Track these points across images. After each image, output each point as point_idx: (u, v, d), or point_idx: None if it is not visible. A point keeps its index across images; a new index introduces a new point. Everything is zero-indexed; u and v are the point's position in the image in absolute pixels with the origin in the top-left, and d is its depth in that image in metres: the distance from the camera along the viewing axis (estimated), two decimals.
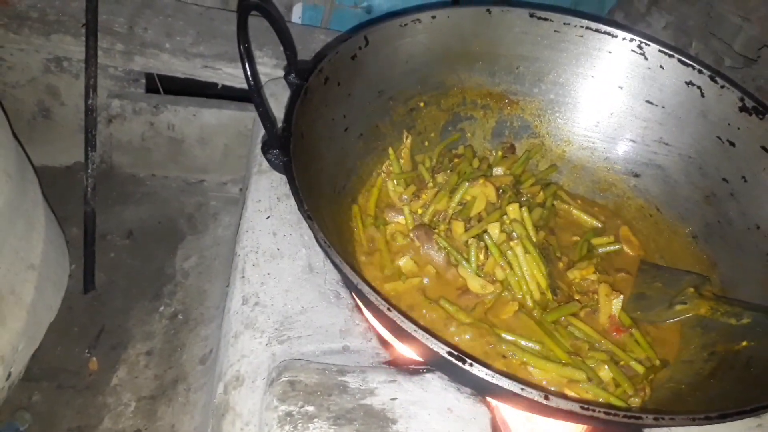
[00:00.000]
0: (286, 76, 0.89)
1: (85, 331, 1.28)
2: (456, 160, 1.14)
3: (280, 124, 0.95)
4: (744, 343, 0.86)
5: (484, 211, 1.02)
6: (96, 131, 1.30)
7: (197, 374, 1.21)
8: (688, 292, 0.96)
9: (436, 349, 0.65)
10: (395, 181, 1.08)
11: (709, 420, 0.64)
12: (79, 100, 1.30)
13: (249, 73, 0.74)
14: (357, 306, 0.93)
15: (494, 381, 0.63)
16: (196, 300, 1.35)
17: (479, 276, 0.95)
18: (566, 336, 0.90)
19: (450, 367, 0.69)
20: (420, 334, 0.66)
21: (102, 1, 1.31)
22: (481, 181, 1.02)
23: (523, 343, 0.87)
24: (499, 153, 1.18)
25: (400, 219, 1.03)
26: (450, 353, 0.64)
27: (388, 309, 0.68)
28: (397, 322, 0.67)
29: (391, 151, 1.10)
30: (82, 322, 1.29)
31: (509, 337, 0.87)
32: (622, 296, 0.96)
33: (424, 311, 0.93)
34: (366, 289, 0.69)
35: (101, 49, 1.37)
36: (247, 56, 0.73)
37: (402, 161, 1.11)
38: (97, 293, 1.34)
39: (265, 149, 0.79)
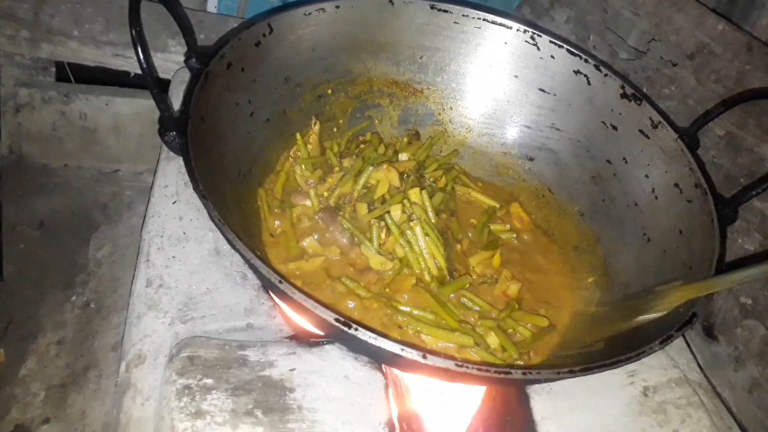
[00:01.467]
0: (186, 61, 0.91)
1: None
2: (362, 146, 1.18)
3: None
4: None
5: (388, 194, 1.06)
6: (1, 120, 1.27)
7: (109, 360, 1.21)
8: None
9: (324, 317, 0.69)
10: (302, 165, 1.11)
11: (573, 373, 0.71)
12: None
13: (141, 56, 0.76)
14: (263, 286, 0.96)
15: (378, 344, 0.67)
16: (109, 288, 1.34)
17: (380, 254, 0.99)
18: (459, 307, 0.96)
19: (342, 335, 0.73)
20: (310, 303, 0.70)
21: None
22: (385, 166, 1.07)
23: (416, 313, 0.92)
24: (405, 139, 1.23)
25: (307, 202, 1.07)
26: (337, 319, 0.68)
27: (280, 281, 0.71)
28: (288, 293, 0.70)
29: (298, 136, 1.13)
30: None
31: (404, 309, 0.92)
32: (520, 284, 1.03)
33: (327, 290, 0.97)
34: (258, 263, 0.72)
35: (5, 36, 1.34)
36: (138, 40, 0.75)
37: (310, 147, 1.14)
38: (5, 285, 1.32)
39: (162, 131, 0.80)
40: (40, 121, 1.50)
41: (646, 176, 1.06)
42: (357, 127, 1.23)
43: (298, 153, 1.13)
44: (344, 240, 1.03)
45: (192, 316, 0.89)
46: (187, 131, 0.81)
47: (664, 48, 1.33)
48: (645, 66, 1.43)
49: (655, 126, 1.06)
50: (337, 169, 1.12)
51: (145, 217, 1.04)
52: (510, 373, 0.68)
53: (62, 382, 1.18)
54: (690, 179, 0.98)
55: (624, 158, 1.10)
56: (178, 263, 0.95)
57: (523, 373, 0.68)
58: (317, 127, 1.15)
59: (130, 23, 0.74)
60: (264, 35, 1.03)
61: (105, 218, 1.50)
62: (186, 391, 0.75)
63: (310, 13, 1.09)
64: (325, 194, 1.07)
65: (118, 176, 1.59)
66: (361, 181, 1.06)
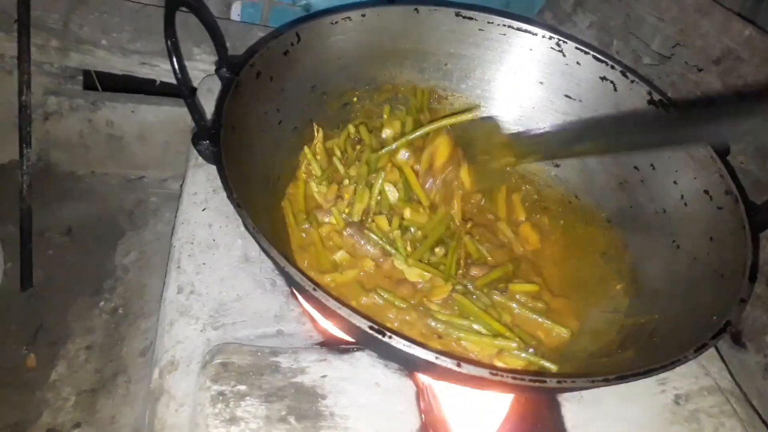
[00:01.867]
0: (217, 71, 0.92)
1: (22, 328, 1.27)
2: (359, 147, 1.16)
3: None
4: (647, 317, 0.93)
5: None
6: (30, 128, 1.29)
7: (137, 366, 1.22)
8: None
9: (358, 324, 0.69)
10: (317, 182, 1.10)
11: (607, 381, 0.71)
12: (14, 97, 1.29)
13: (176, 67, 0.77)
14: (292, 292, 0.96)
15: (411, 351, 0.67)
16: (136, 294, 1.36)
17: (415, 265, 0.99)
18: (501, 309, 0.96)
19: (374, 342, 0.73)
20: (344, 311, 0.70)
21: None
22: (388, 168, 1.07)
23: (455, 321, 0.92)
24: (385, 114, 1.22)
25: (331, 219, 1.06)
26: (371, 327, 0.69)
27: (314, 289, 0.72)
28: (322, 300, 0.71)
29: (306, 150, 1.11)
30: (20, 320, 1.28)
31: (442, 317, 0.92)
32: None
33: (362, 300, 0.97)
34: (293, 271, 0.73)
35: (35, 45, 1.36)
36: (174, 51, 0.76)
37: (318, 157, 1.13)
38: (35, 290, 1.34)
39: (196, 140, 0.81)
40: (67, 128, 1.53)
41: (675, 183, 1.05)
42: (350, 124, 1.20)
43: (311, 168, 1.12)
44: (376, 253, 1.03)
45: (223, 323, 0.90)
46: (219, 140, 0.82)
47: (689, 53, 1.32)
48: (669, 71, 1.42)
49: None
50: (346, 181, 1.10)
51: (174, 224, 1.05)
52: (545, 381, 0.68)
53: (92, 387, 1.19)
54: (720, 186, 0.98)
55: (652, 165, 1.09)
56: (209, 270, 0.96)
57: (558, 382, 0.68)
58: (321, 134, 1.14)
59: (166, 34, 0.75)
60: (292, 44, 1.04)
61: (131, 224, 1.52)
62: (220, 398, 0.76)
63: (336, 22, 1.10)
64: (346, 211, 1.07)
65: (143, 183, 1.61)
66: (375, 191, 1.06)
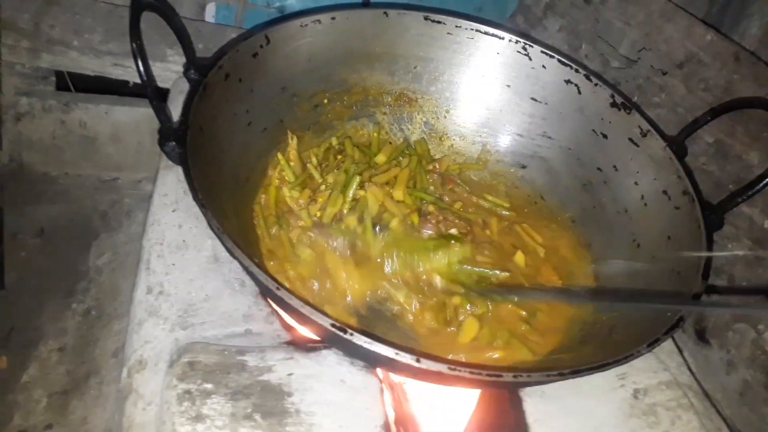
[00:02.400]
0: (185, 72, 0.93)
1: None
2: (339, 156, 1.18)
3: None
4: (607, 314, 0.96)
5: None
6: (1, 129, 1.29)
7: (110, 367, 1.22)
8: None
9: (320, 322, 0.71)
10: (289, 188, 1.12)
11: (562, 375, 0.73)
12: None
13: (142, 69, 0.78)
14: (260, 292, 0.98)
15: (371, 347, 0.69)
16: (109, 296, 1.36)
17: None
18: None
19: (337, 339, 0.75)
20: (306, 309, 0.72)
21: None
22: (370, 187, 1.09)
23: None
24: (375, 135, 1.25)
25: (302, 223, 1.08)
26: (332, 324, 0.70)
27: (277, 288, 0.73)
28: (285, 299, 0.72)
29: (280, 156, 1.13)
30: None
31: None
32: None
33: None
34: (256, 271, 0.74)
35: (6, 46, 1.36)
36: (139, 53, 0.77)
37: (292, 164, 1.15)
38: (7, 293, 1.33)
39: (162, 142, 0.82)
40: (40, 129, 1.52)
41: (636, 183, 1.08)
42: (331, 137, 1.24)
43: (284, 173, 1.13)
44: (340, 246, 1.04)
45: (192, 323, 0.91)
46: (186, 141, 0.83)
47: (655, 57, 1.36)
48: (636, 74, 1.45)
49: (644, 134, 1.08)
50: (323, 186, 1.13)
51: (145, 225, 1.06)
52: (501, 376, 0.70)
53: (64, 389, 1.19)
54: (678, 186, 1.01)
55: (614, 166, 1.12)
56: (178, 270, 0.97)
57: (514, 376, 0.70)
58: (294, 141, 1.15)
59: (131, 37, 0.76)
60: (261, 46, 1.05)
61: (105, 226, 1.51)
62: (186, 396, 0.77)
63: (306, 25, 1.11)
64: (318, 214, 1.08)
65: (117, 184, 1.61)
66: (349, 194, 1.08)
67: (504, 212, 1.19)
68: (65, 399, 1.18)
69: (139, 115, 1.54)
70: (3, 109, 1.31)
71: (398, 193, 1.10)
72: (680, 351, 1.12)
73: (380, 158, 1.18)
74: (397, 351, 0.68)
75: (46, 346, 1.26)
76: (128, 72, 1.48)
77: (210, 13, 1.67)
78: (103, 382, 1.21)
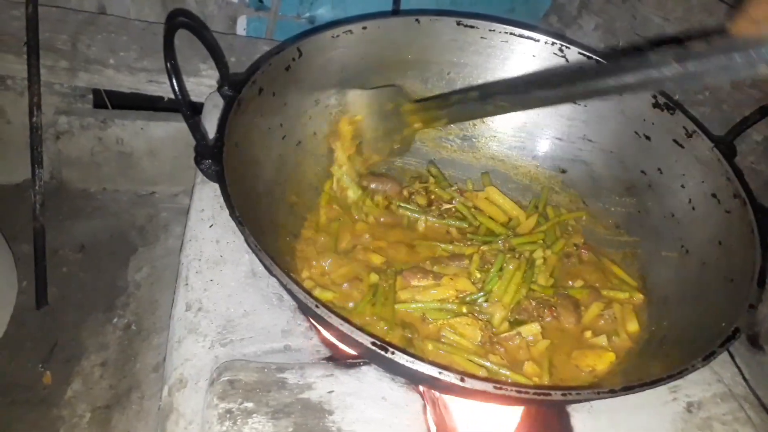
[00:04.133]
0: (219, 89, 0.93)
1: (38, 345, 1.29)
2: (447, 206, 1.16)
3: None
4: (656, 325, 0.93)
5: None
6: (42, 148, 1.31)
7: (150, 382, 1.23)
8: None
9: (360, 340, 0.69)
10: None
11: (613, 393, 0.70)
12: (26, 118, 1.31)
13: (176, 88, 0.78)
14: (299, 307, 0.97)
15: (413, 366, 0.67)
16: (148, 310, 1.37)
17: None
18: None
19: (377, 357, 0.73)
20: (346, 327, 0.70)
21: (44, 20, 1.33)
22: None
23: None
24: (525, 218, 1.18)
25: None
26: (373, 343, 0.69)
27: (316, 306, 0.72)
28: (325, 317, 0.71)
29: (335, 169, 1.13)
30: (35, 337, 1.30)
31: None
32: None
33: None
34: (295, 288, 0.73)
35: (45, 66, 1.38)
36: (174, 72, 0.77)
37: (344, 167, 1.14)
38: (50, 308, 1.36)
39: (198, 159, 0.82)
40: (78, 147, 1.55)
41: (682, 186, 1.04)
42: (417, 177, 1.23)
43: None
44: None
45: (231, 339, 0.90)
46: (222, 158, 0.83)
47: None
48: None
49: (689, 135, 1.04)
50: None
51: (182, 241, 1.06)
52: (549, 394, 0.67)
53: (107, 404, 1.21)
54: (728, 189, 0.96)
55: (659, 168, 1.08)
56: (216, 286, 0.97)
57: (563, 395, 0.68)
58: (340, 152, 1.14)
59: (165, 57, 0.76)
60: (293, 59, 1.05)
61: (142, 240, 1.53)
62: (228, 416, 0.77)
63: (337, 36, 1.10)
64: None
65: (154, 198, 1.63)
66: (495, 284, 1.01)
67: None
68: (108, 414, 1.20)
69: (174, 130, 1.56)
70: (43, 128, 1.34)
71: (542, 280, 1.04)
72: (733, 358, 1.07)
73: (527, 224, 1.15)
74: (440, 370, 0.67)
75: (88, 360, 1.28)
76: (162, 88, 1.50)
77: (241, 26, 1.68)
78: (144, 397, 1.22)
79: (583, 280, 1.08)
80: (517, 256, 1.04)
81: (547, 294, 1.01)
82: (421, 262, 1.05)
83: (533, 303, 1.00)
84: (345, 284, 1.00)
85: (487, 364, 0.91)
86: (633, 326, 0.99)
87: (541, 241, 1.09)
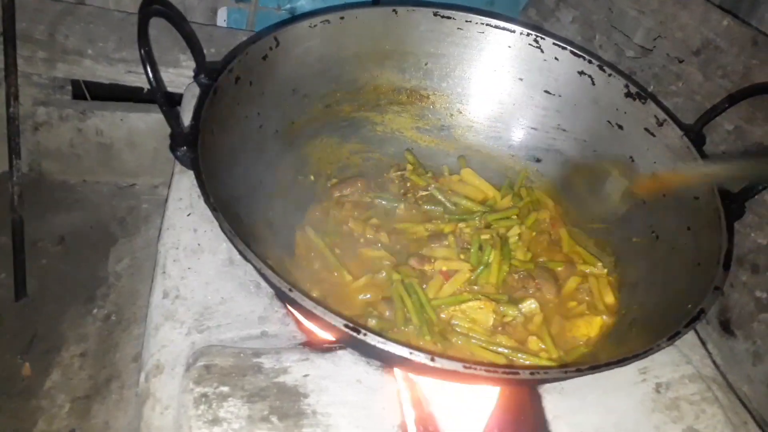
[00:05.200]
0: (195, 77, 0.93)
1: (17, 337, 1.29)
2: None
3: None
4: (626, 308, 0.95)
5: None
6: (19, 139, 1.31)
7: (130, 371, 1.24)
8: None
9: (333, 322, 0.70)
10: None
11: (580, 372, 0.72)
12: (4, 109, 1.31)
13: (151, 76, 0.78)
14: (276, 294, 0.98)
15: (386, 348, 0.69)
16: (128, 301, 1.38)
17: None
18: None
19: (351, 340, 0.75)
20: (319, 310, 0.71)
21: (21, 10, 1.32)
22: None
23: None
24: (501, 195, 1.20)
25: None
26: (346, 325, 0.70)
27: (290, 290, 0.73)
28: (298, 300, 0.72)
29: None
30: (14, 329, 1.30)
31: None
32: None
33: None
34: (269, 273, 0.74)
35: (22, 57, 1.38)
36: (148, 60, 0.77)
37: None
38: (29, 300, 1.35)
39: (174, 147, 0.83)
40: (58, 138, 1.55)
41: (653, 174, 1.06)
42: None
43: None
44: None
45: (208, 326, 0.91)
46: (197, 146, 0.84)
47: (670, 45, 1.33)
48: (652, 63, 1.43)
49: (660, 124, 1.06)
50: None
51: (160, 230, 1.07)
52: (518, 373, 0.69)
53: (86, 394, 1.21)
54: None
55: (631, 157, 1.11)
56: (194, 274, 0.98)
57: (531, 373, 0.70)
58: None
59: (139, 44, 0.77)
60: (270, 48, 1.05)
61: (123, 231, 1.53)
62: (203, 399, 0.77)
63: (315, 26, 1.11)
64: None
65: (134, 190, 1.62)
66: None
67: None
68: (87, 404, 1.20)
69: (154, 121, 1.56)
70: (21, 120, 1.33)
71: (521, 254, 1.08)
72: (704, 343, 1.10)
73: (502, 203, 1.17)
74: (411, 350, 0.68)
75: (68, 351, 1.28)
76: (142, 79, 1.49)
77: (222, 18, 1.68)
78: (124, 387, 1.22)
79: (559, 256, 1.10)
80: (493, 234, 1.06)
81: (528, 268, 1.03)
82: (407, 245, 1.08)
83: (516, 277, 1.02)
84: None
85: (505, 350, 0.94)
86: (609, 298, 1.03)
87: (515, 217, 1.12)
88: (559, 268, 1.06)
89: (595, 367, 0.71)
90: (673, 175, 1.02)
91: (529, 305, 0.98)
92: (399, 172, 1.19)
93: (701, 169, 1.01)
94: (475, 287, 1.01)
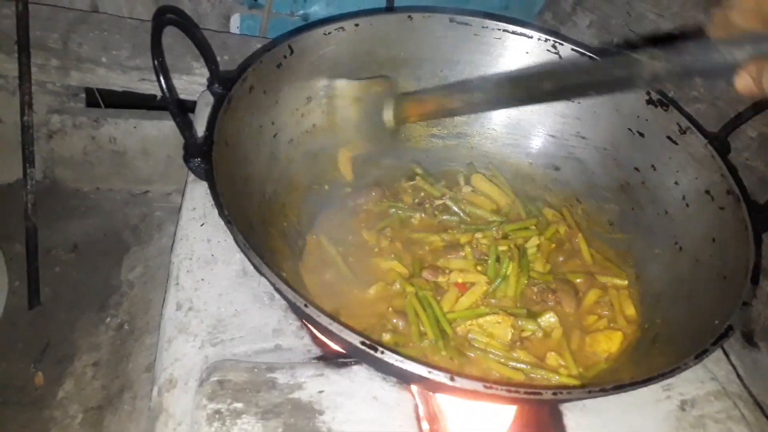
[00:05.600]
0: (209, 87, 0.92)
1: (30, 346, 1.28)
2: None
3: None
4: (649, 322, 0.92)
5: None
6: (34, 147, 1.31)
7: (143, 382, 1.22)
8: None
9: (349, 339, 0.69)
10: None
11: (605, 392, 0.70)
12: (18, 117, 1.31)
13: (164, 86, 0.77)
14: (290, 307, 0.96)
15: (403, 366, 0.67)
16: (141, 309, 1.37)
17: None
18: None
19: (367, 357, 0.73)
20: (335, 327, 0.70)
21: (35, 18, 1.32)
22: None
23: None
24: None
25: None
26: (362, 342, 0.68)
27: (305, 305, 0.71)
28: (314, 317, 0.70)
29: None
30: (27, 338, 1.29)
31: None
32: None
33: None
34: (284, 287, 0.72)
35: (36, 65, 1.38)
36: (161, 70, 0.76)
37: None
38: (42, 308, 1.35)
39: (187, 158, 0.82)
40: (71, 146, 1.54)
41: (676, 183, 1.04)
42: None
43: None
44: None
45: (221, 339, 0.90)
46: (211, 157, 0.82)
47: None
48: None
49: (683, 132, 1.04)
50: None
51: (173, 240, 1.06)
52: (540, 393, 0.67)
53: (99, 404, 1.20)
54: (721, 186, 0.96)
55: (652, 165, 1.08)
56: (207, 286, 0.96)
57: (554, 394, 0.67)
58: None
59: (153, 54, 0.75)
60: (285, 57, 1.04)
61: (136, 239, 1.52)
62: (216, 416, 0.76)
63: (329, 33, 1.09)
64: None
65: (147, 197, 1.62)
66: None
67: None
68: (100, 414, 1.19)
69: (167, 129, 1.55)
70: (35, 128, 1.33)
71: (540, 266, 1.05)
72: (727, 356, 1.07)
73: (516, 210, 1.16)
74: (429, 369, 0.66)
75: (80, 361, 1.27)
76: (155, 86, 1.48)
77: (235, 25, 1.67)
78: (137, 397, 1.21)
79: (578, 268, 1.08)
80: (511, 245, 1.04)
81: (547, 280, 1.01)
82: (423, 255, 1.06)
83: (534, 290, 1.00)
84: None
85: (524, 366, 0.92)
86: (630, 311, 1.00)
87: (534, 227, 1.09)
88: (579, 280, 1.04)
89: (620, 387, 0.69)
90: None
91: (548, 319, 0.95)
92: (410, 182, 1.17)
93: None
94: (493, 300, 0.99)
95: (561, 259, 1.07)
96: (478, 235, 1.05)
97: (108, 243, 1.50)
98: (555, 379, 0.89)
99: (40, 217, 1.33)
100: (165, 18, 0.80)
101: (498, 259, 1.01)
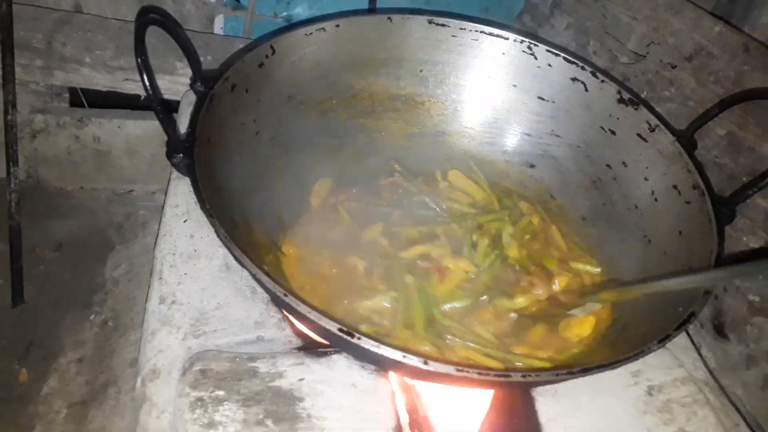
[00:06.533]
0: (192, 85, 0.94)
1: (14, 344, 1.29)
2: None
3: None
4: (619, 312, 0.95)
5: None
6: (17, 146, 1.32)
7: (127, 377, 1.24)
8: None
9: (327, 327, 0.71)
10: None
11: (572, 374, 0.73)
12: (1, 117, 1.32)
13: (147, 84, 0.79)
14: (272, 299, 0.98)
15: (380, 351, 0.69)
16: (125, 306, 1.38)
17: None
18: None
19: (345, 344, 0.75)
20: (313, 314, 0.72)
21: (19, 19, 1.33)
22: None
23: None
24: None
25: None
26: (340, 329, 0.71)
27: (285, 295, 0.74)
28: (292, 305, 0.73)
29: None
30: (11, 336, 1.30)
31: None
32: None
33: None
34: (264, 278, 0.75)
35: (20, 65, 1.39)
36: (144, 68, 0.79)
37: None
38: (26, 306, 1.36)
39: (170, 154, 0.84)
40: (55, 145, 1.55)
41: (646, 179, 1.08)
42: None
43: None
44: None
45: (204, 331, 0.92)
46: (193, 153, 0.85)
47: (663, 51, 1.35)
48: (645, 69, 1.44)
49: (652, 129, 1.08)
50: None
51: (157, 236, 1.08)
52: (509, 376, 0.69)
53: (83, 399, 1.21)
54: (688, 181, 1.00)
55: (623, 162, 1.12)
56: (190, 280, 0.98)
57: (523, 376, 0.70)
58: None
59: (136, 53, 0.78)
60: (267, 56, 1.06)
61: (120, 238, 1.54)
62: (199, 403, 0.78)
63: (311, 33, 1.12)
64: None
65: (132, 196, 1.63)
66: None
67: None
68: (84, 409, 1.20)
69: (151, 128, 1.57)
70: (19, 127, 1.34)
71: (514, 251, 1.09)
72: (697, 348, 1.11)
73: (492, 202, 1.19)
74: (404, 354, 0.69)
75: (65, 357, 1.28)
76: (139, 86, 1.50)
77: (218, 25, 1.69)
78: (121, 392, 1.22)
79: (553, 256, 1.12)
80: (485, 233, 1.08)
81: (522, 263, 1.05)
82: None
83: (508, 272, 1.04)
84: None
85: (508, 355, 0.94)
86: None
87: (507, 218, 1.13)
88: (553, 267, 1.07)
89: (587, 369, 0.72)
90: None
91: (522, 302, 0.99)
92: (389, 179, 1.20)
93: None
94: (468, 285, 1.02)
95: (536, 247, 1.11)
96: (454, 225, 1.08)
97: (92, 241, 1.51)
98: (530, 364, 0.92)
99: (24, 216, 1.34)
100: (148, 18, 0.82)
101: (474, 246, 1.04)
